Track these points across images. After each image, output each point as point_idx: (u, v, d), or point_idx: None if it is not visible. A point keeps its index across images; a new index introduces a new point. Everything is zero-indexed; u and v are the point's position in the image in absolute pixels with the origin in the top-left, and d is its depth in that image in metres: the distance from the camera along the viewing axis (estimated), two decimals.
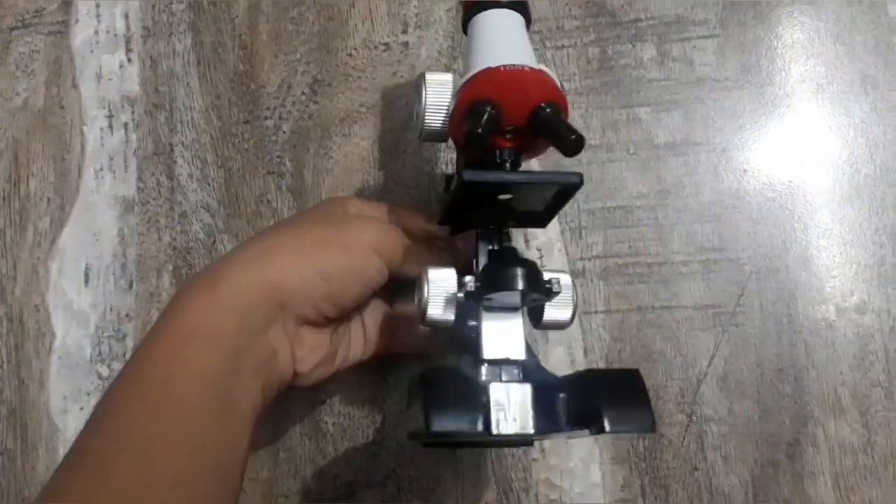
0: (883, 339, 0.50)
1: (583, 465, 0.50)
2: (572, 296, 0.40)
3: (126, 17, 0.57)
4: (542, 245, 0.52)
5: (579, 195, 0.53)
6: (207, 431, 0.34)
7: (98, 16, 0.57)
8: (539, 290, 0.37)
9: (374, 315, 0.46)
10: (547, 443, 0.50)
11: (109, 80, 0.57)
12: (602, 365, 0.51)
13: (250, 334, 0.37)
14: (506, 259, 0.39)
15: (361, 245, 0.40)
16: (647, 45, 0.54)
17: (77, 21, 0.58)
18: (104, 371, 0.53)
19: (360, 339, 0.45)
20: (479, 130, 0.35)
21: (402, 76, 0.55)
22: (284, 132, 0.55)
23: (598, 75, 0.54)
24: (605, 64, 0.54)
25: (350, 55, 0.56)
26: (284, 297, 0.38)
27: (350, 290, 0.40)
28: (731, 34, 0.54)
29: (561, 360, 0.51)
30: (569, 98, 0.54)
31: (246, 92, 0.56)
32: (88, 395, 0.52)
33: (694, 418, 0.50)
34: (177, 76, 0.56)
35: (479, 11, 0.40)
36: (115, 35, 0.57)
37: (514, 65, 0.37)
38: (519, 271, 0.37)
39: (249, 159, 0.55)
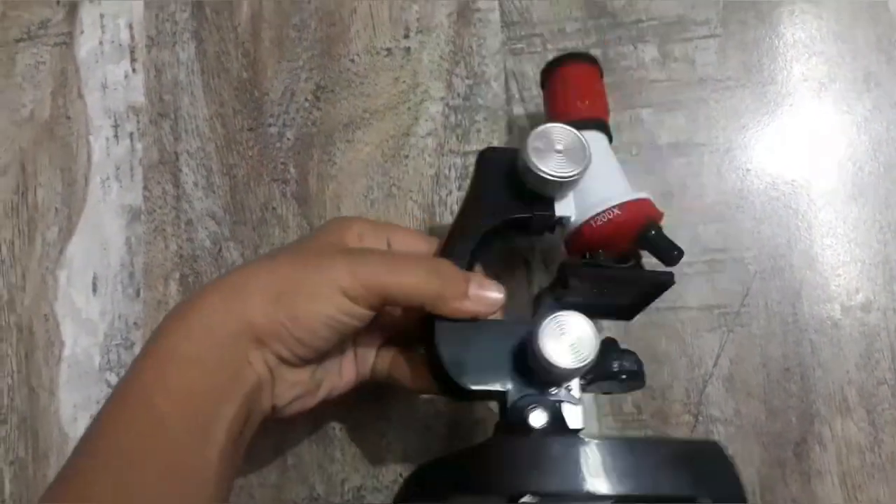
0: (889, 337, 0.50)
1: None
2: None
3: (130, 27, 0.58)
4: (547, 251, 0.52)
5: None
6: (185, 453, 0.35)
7: (102, 26, 0.58)
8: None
9: (367, 346, 0.45)
10: None
11: (115, 89, 0.57)
12: None
13: (229, 364, 0.37)
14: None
15: (332, 289, 0.38)
16: (648, 46, 0.54)
17: (82, 32, 0.58)
18: (113, 379, 0.53)
19: (350, 371, 0.44)
20: (676, 252, 0.41)
21: (404, 81, 0.55)
22: (288, 139, 0.55)
23: None
24: (606, 66, 0.54)
25: (352, 61, 0.56)
26: (258, 334, 0.38)
27: (320, 335, 0.39)
28: (732, 33, 0.54)
29: None
30: None
31: (250, 99, 0.56)
32: (98, 403, 0.53)
33: (700, 419, 0.50)
34: (181, 85, 0.57)
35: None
36: (120, 45, 0.58)
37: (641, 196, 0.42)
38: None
39: (254, 166, 0.55)
